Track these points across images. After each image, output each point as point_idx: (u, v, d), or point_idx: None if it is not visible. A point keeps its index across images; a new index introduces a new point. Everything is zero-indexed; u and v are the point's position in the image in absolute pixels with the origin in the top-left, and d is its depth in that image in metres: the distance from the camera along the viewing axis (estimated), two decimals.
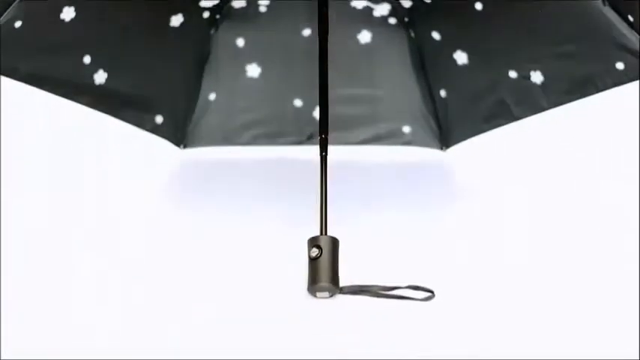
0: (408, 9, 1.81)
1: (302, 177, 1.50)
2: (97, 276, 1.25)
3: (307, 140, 1.90)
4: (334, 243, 1.22)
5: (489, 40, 1.66)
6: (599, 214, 1.56)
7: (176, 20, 1.69)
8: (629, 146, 1.86)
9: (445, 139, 1.91)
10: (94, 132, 1.90)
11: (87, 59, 1.52)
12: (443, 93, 1.84)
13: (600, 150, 1.91)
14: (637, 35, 1.40)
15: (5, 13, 1.31)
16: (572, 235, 1.44)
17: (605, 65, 1.47)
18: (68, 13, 1.42)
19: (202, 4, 1.75)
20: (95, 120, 1.66)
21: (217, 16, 1.82)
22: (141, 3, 1.56)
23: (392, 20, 1.85)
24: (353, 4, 1.82)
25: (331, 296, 1.19)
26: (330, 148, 1.36)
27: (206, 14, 1.78)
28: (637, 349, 1.03)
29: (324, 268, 1.18)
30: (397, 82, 1.90)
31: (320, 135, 1.38)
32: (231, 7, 1.82)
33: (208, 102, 1.89)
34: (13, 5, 1.31)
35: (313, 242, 1.22)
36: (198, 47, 1.83)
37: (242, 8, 1.82)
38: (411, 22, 1.84)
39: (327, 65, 1.42)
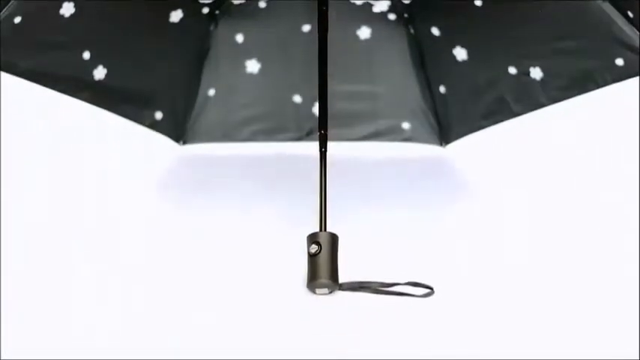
0: (408, 5, 1.81)
1: (301, 173, 1.50)
2: (97, 274, 1.25)
3: (306, 136, 1.90)
4: (333, 239, 1.22)
5: (489, 36, 1.66)
6: (599, 211, 1.56)
7: (175, 16, 1.69)
8: (629, 143, 1.86)
9: (445, 136, 1.91)
10: (94, 128, 1.90)
11: (86, 55, 1.52)
12: (442, 89, 1.84)
13: (600, 147, 1.91)
14: (637, 31, 1.40)
15: (5, 9, 1.31)
16: (571, 233, 1.44)
17: (604, 61, 1.47)
18: (68, 9, 1.42)
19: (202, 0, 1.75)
20: (94, 116, 1.66)
21: (217, 12, 1.82)
22: None
23: (391, 16, 1.84)
24: (352, 0, 1.81)
25: (330, 292, 1.19)
26: (330, 145, 1.35)
27: (205, 10, 1.78)
28: (637, 349, 1.03)
29: (323, 265, 1.18)
30: (397, 78, 1.90)
31: (319, 131, 1.38)
32: (231, 3, 1.82)
33: (208, 98, 1.89)
34: (12, 1, 1.31)
35: (312, 238, 1.22)
36: (197, 43, 1.83)
37: (241, 4, 1.82)
38: (410, 18, 1.84)
39: (326, 61, 1.42)
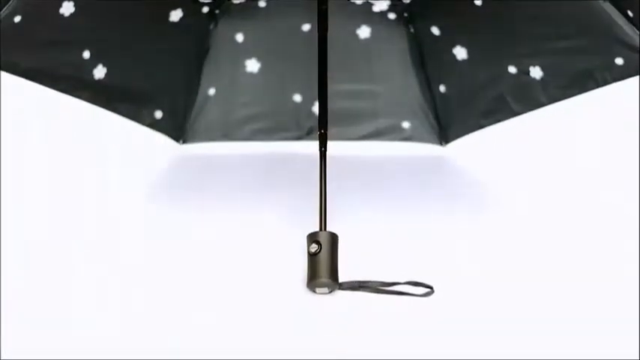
0: (408, 4, 1.81)
1: (301, 173, 1.50)
2: (97, 274, 1.25)
3: (306, 135, 1.90)
4: (333, 239, 1.22)
5: (489, 35, 1.66)
6: (598, 211, 1.56)
7: (175, 15, 1.69)
8: (629, 142, 1.86)
9: (445, 135, 1.91)
10: (93, 128, 1.90)
11: (86, 54, 1.52)
12: (442, 88, 1.84)
13: (600, 146, 1.91)
14: (637, 31, 1.40)
15: (4, 8, 1.30)
16: (571, 233, 1.44)
17: (604, 61, 1.47)
18: (67, 8, 1.42)
19: None
20: (94, 116, 1.66)
21: (217, 11, 1.82)
22: None
23: (391, 15, 1.84)
24: None
25: (330, 292, 1.19)
26: (330, 144, 1.36)
27: (205, 9, 1.78)
28: (637, 349, 1.03)
29: (323, 264, 1.18)
30: (396, 78, 1.90)
31: (319, 130, 1.38)
32: (231, 3, 1.82)
33: (208, 97, 1.89)
34: (12, 0, 1.31)
35: (312, 238, 1.22)
36: (197, 42, 1.83)
37: (241, 3, 1.82)
38: (410, 17, 1.84)
39: (326, 61, 1.42)
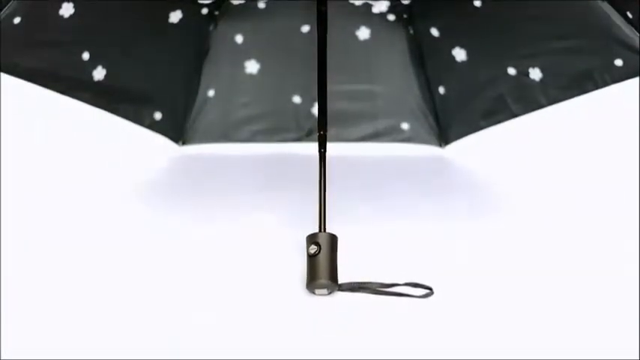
0: (407, 5, 1.81)
1: (301, 174, 1.50)
2: (97, 274, 1.25)
3: (306, 137, 1.90)
4: (333, 240, 1.22)
5: (488, 36, 1.66)
6: (598, 212, 1.56)
7: (175, 17, 1.69)
8: (628, 143, 1.86)
9: (444, 136, 1.91)
10: (93, 129, 1.90)
11: (86, 55, 1.52)
12: (442, 90, 1.84)
13: (600, 147, 1.91)
14: (636, 32, 1.40)
15: (4, 9, 1.31)
16: (571, 234, 1.44)
17: (604, 62, 1.47)
18: (67, 10, 1.42)
19: (201, 0, 1.74)
20: (94, 117, 1.66)
21: (216, 13, 1.82)
22: (140, 0, 1.56)
23: (391, 17, 1.85)
24: (352, 0, 1.81)
25: (330, 293, 1.19)
26: (329, 145, 1.35)
27: (205, 11, 1.78)
28: (637, 349, 1.03)
29: (322, 265, 1.18)
30: (396, 79, 1.90)
31: (319, 132, 1.38)
32: (230, 4, 1.82)
33: (207, 98, 1.89)
34: (12, 1, 1.31)
35: (312, 239, 1.22)
36: (197, 43, 1.83)
37: (241, 5, 1.82)
38: (409, 18, 1.84)
39: (325, 62, 1.42)
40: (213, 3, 1.77)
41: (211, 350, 1.03)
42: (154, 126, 1.78)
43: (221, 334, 1.07)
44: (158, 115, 1.78)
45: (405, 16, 1.84)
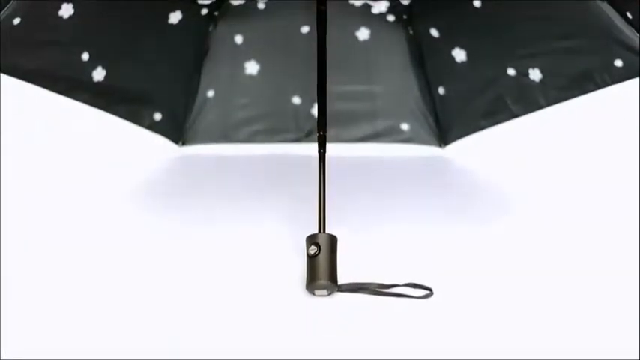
0: (407, 6, 1.81)
1: (300, 175, 1.49)
2: (97, 275, 1.25)
3: (306, 137, 1.90)
4: (332, 240, 1.22)
5: (488, 37, 1.66)
6: (598, 212, 1.56)
7: (174, 17, 1.69)
8: (628, 144, 1.86)
9: (444, 137, 1.91)
10: (93, 130, 1.90)
11: (85, 56, 1.52)
12: (441, 90, 1.84)
13: (600, 147, 1.91)
14: (636, 33, 1.40)
15: (4, 10, 1.31)
16: (571, 234, 1.44)
17: (603, 62, 1.47)
18: (67, 10, 1.42)
19: (200, 1, 1.74)
20: (93, 117, 1.66)
21: (216, 13, 1.82)
22: (139, 0, 1.56)
23: (390, 17, 1.85)
24: (351, 1, 1.82)
25: (329, 294, 1.19)
26: (329, 146, 1.35)
27: (204, 11, 1.78)
28: (637, 349, 1.03)
29: (322, 266, 1.18)
30: (396, 80, 1.90)
31: (318, 132, 1.38)
32: (230, 5, 1.82)
33: (207, 99, 1.89)
34: (12, 2, 1.31)
35: (311, 240, 1.22)
36: (196, 44, 1.83)
37: (240, 5, 1.82)
38: (409, 19, 1.84)
39: (325, 62, 1.42)
40: (212, 3, 1.77)
41: (211, 351, 1.02)
42: (153, 127, 1.78)
43: (221, 334, 1.07)
44: (158, 116, 1.78)
45: (404, 16, 1.84)
